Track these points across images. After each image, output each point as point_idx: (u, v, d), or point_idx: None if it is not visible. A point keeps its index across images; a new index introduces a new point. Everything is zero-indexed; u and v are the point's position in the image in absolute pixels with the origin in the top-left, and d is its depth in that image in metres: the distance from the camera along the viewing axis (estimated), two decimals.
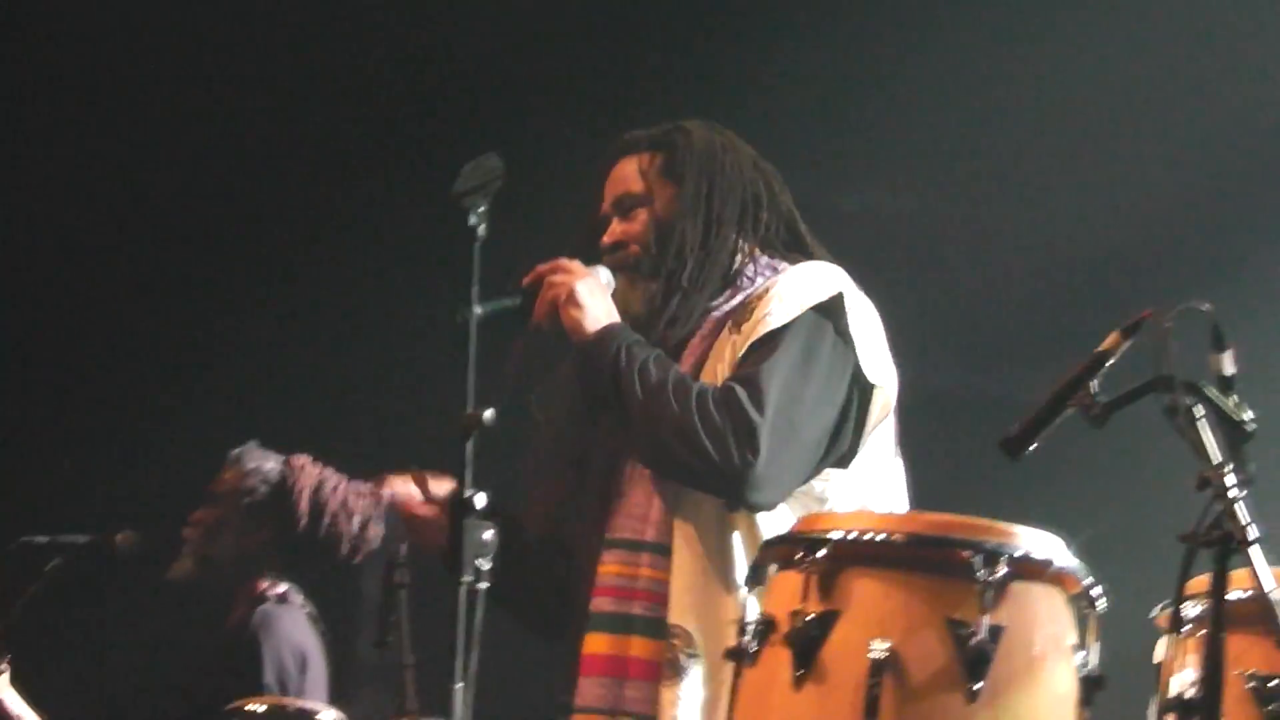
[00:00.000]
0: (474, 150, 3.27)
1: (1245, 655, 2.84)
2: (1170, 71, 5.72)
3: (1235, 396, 2.78)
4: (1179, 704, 2.79)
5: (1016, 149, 5.88)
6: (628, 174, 3.60)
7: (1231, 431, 2.75)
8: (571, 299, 3.41)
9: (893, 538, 2.78)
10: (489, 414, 3.05)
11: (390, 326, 6.29)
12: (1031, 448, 2.83)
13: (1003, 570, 2.64)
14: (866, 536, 2.78)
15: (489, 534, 2.98)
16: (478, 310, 3.20)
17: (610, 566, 3.40)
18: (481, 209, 3.16)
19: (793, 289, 3.42)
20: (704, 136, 3.58)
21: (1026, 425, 2.84)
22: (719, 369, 3.43)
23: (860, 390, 3.39)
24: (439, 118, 6.33)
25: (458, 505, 3.01)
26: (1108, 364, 2.80)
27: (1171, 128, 5.80)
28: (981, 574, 2.63)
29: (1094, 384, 2.79)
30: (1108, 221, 5.87)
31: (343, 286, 6.41)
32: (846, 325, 3.40)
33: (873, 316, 3.49)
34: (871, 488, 3.46)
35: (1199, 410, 2.70)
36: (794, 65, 5.95)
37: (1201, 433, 2.68)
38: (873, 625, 2.67)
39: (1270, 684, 2.91)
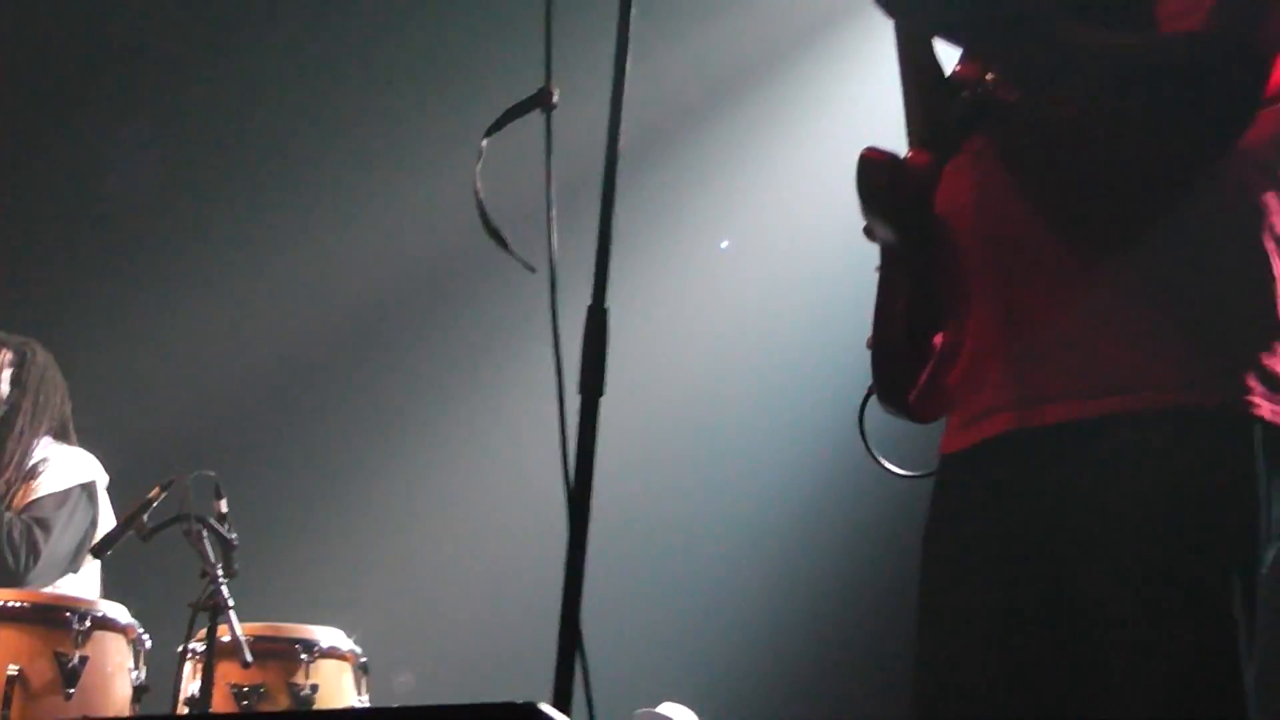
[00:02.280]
0: None
1: (227, 674, 4.85)
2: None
3: (228, 524, 4.86)
4: (190, 700, 4.82)
5: None
6: None
7: (224, 545, 4.83)
8: None
9: (23, 604, 4.70)
10: None
11: None
12: (108, 552, 4.85)
13: (87, 624, 4.62)
14: (10, 604, 4.68)
15: None
16: None
17: None
18: None
19: (67, 468, 5.57)
20: (43, 357, 5.72)
21: (106, 538, 4.83)
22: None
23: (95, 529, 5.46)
24: None
25: None
26: (153, 505, 4.78)
27: None
28: (75, 625, 4.58)
29: (144, 516, 4.78)
30: None
31: None
32: (95, 493, 5.51)
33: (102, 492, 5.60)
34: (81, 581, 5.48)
35: (205, 532, 4.75)
36: None
37: (204, 545, 4.73)
38: (10, 656, 4.52)
39: (244, 689, 4.93)
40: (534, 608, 2.67)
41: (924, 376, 2.93)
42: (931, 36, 2.96)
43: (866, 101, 5.74)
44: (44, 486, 5.55)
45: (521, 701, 2.08)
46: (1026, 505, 2.85)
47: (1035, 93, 2.86)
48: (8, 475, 5.60)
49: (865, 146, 2.89)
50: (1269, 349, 2.76)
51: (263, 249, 7.47)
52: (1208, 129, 2.79)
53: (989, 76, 2.90)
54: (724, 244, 7.83)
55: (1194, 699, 2.64)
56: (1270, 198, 2.84)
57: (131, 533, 4.95)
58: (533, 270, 2.74)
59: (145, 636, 5.01)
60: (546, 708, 2.09)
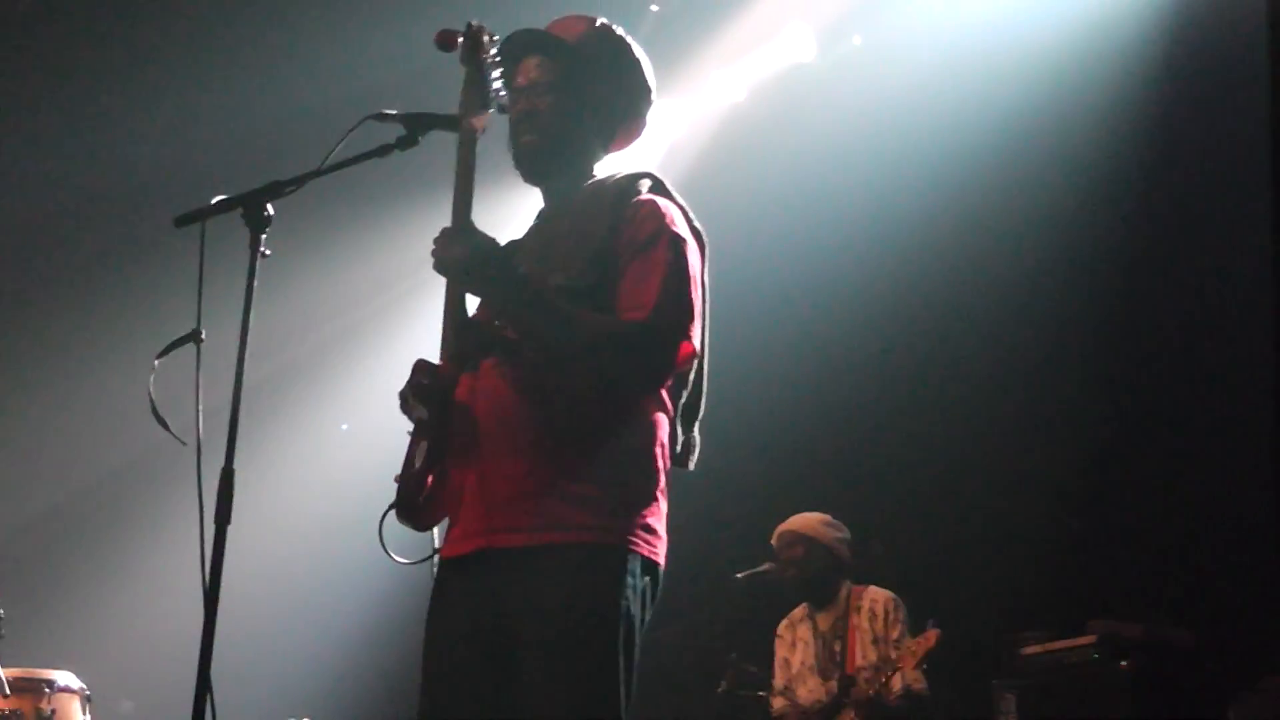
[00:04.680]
0: None
1: None
2: None
3: None
4: None
5: None
6: None
7: None
8: None
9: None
10: None
11: None
12: None
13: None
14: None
15: None
16: None
17: None
18: None
19: None
20: None
21: None
22: None
23: None
24: None
25: None
26: None
27: None
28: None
29: None
30: None
31: None
32: None
33: None
34: None
35: None
36: None
37: None
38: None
39: (4, 713, 5.89)
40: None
41: (421, 502, 3.45)
42: (470, 294, 3.46)
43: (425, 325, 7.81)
44: None
45: None
46: (482, 602, 3.37)
47: (532, 341, 3.38)
48: None
49: (418, 358, 3.41)
50: (648, 510, 3.40)
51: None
52: (633, 380, 3.41)
53: (497, 322, 3.45)
54: (344, 426, 9.83)
55: None
56: (661, 419, 3.49)
57: None
58: (184, 444, 3.27)
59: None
60: None
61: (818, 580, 6.76)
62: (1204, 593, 6.73)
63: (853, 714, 6.48)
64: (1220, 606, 6.59)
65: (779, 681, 6.84)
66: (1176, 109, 7.08)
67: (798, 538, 6.77)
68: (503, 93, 3.56)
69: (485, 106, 3.51)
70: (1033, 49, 7.36)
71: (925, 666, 6.43)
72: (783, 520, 6.98)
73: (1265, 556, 6.27)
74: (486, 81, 3.53)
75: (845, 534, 6.85)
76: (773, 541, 6.89)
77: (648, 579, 3.40)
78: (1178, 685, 6.31)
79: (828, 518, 6.88)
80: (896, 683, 6.42)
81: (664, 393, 3.52)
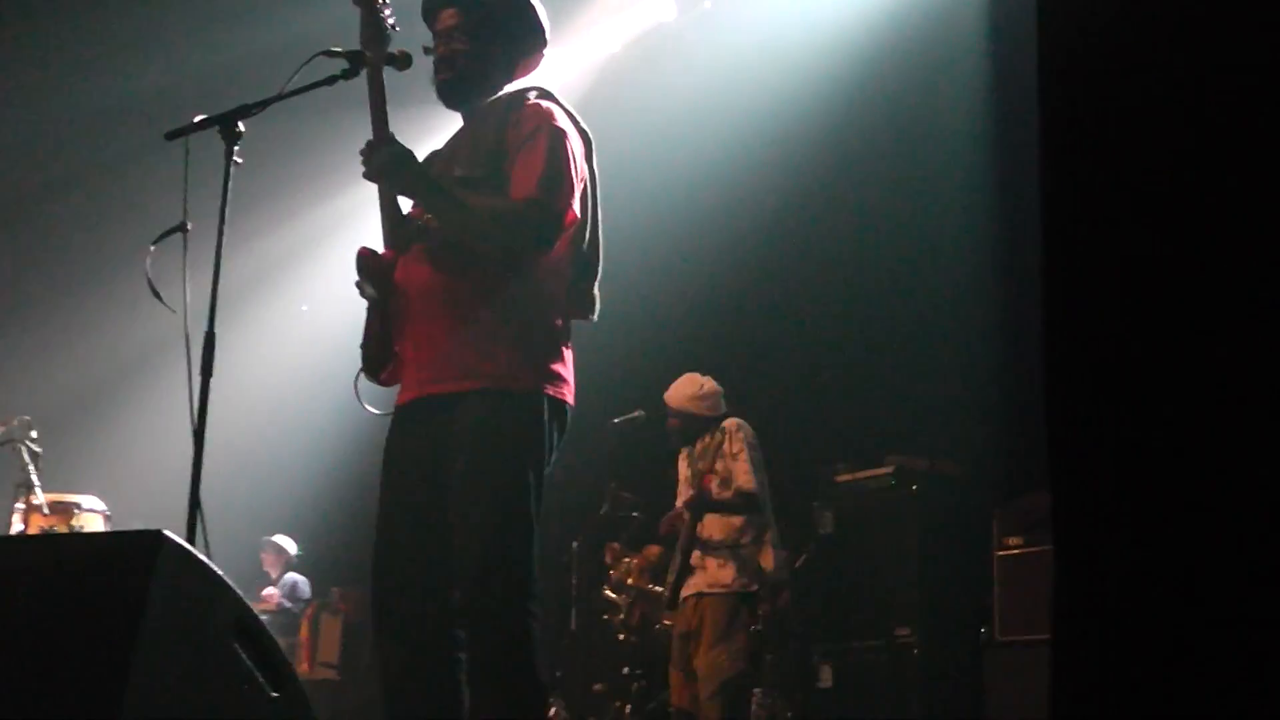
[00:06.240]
0: None
1: (35, 520, 7.24)
2: None
3: (36, 441, 7.45)
4: (17, 534, 6.99)
5: None
6: None
7: (34, 454, 7.47)
8: None
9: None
10: None
11: None
12: None
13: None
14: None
15: None
16: None
17: None
18: None
19: None
20: None
21: None
22: None
23: None
24: None
25: None
26: None
27: None
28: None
29: None
30: None
31: None
32: None
33: None
34: None
35: (22, 446, 7.51)
36: None
37: (23, 454, 7.42)
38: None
39: (44, 529, 7.11)
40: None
41: (383, 361, 3.83)
42: (402, 195, 3.79)
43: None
44: None
45: (152, 529, 2.19)
46: (423, 438, 3.71)
47: (445, 224, 3.74)
48: None
49: (360, 246, 3.80)
50: (553, 359, 3.71)
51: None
52: (526, 244, 3.70)
53: (426, 217, 3.78)
54: (304, 307, 10.84)
55: (503, 547, 3.56)
56: (558, 286, 3.78)
57: None
58: (174, 311, 3.42)
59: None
60: (169, 534, 2.26)
61: (695, 437, 7.01)
62: (972, 430, 7.47)
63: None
64: (987, 441, 7.34)
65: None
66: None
67: (673, 412, 7.01)
68: (397, 27, 3.84)
69: (384, 39, 3.79)
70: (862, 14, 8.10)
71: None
72: (655, 374, 7.44)
73: (1022, 400, 6.74)
74: (379, 18, 3.80)
75: (710, 395, 7.02)
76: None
77: (555, 415, 3.73)
78: (955, 505, 7.16)
79: (694, 384, 7.06)
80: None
81: (559, 263, 3.83)
